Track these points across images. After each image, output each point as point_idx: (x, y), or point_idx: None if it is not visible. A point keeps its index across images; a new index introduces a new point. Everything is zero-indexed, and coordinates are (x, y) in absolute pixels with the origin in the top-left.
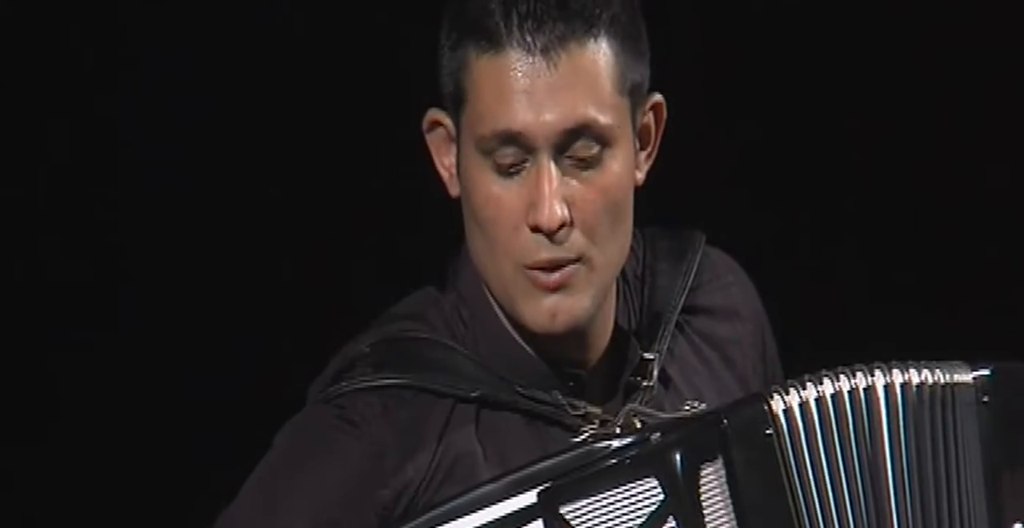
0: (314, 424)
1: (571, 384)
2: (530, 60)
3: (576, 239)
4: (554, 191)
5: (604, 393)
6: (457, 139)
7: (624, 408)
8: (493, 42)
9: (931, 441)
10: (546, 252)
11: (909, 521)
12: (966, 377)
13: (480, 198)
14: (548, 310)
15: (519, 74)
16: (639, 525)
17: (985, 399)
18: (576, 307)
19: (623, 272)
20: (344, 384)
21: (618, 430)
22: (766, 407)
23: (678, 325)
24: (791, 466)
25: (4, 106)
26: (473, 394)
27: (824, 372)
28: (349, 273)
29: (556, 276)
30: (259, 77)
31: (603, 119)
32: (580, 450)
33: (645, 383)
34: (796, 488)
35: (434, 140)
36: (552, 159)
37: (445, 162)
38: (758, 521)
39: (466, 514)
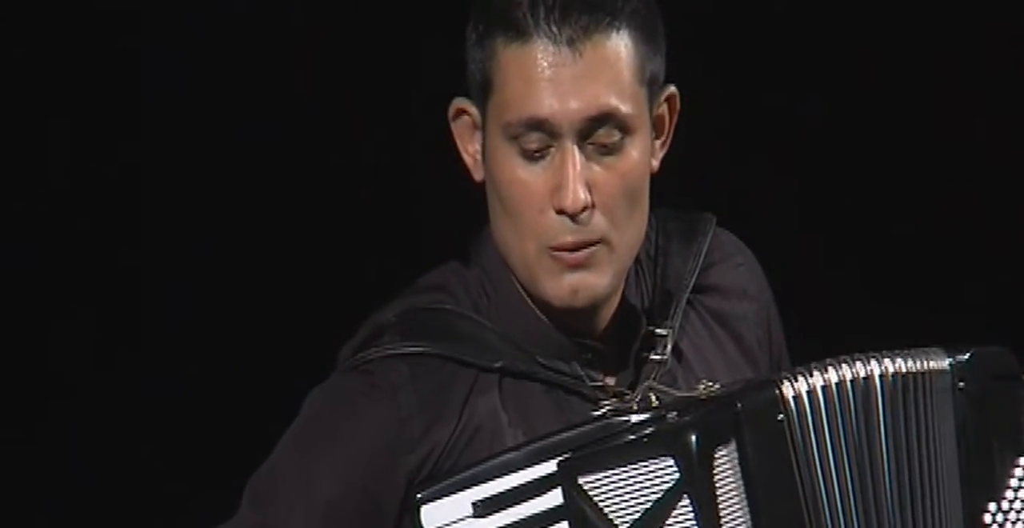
0: (343, 390)
1: (587, 356)
2: (555, 50)
3: (598, 221)
4: (578, 175)
5: (617, 365)
6: (483, 127)
7: (642, 385)
8: (520, 32)
9: (912, 426)
10: (570, 235)
11: (896, 501)
12: (943, 364)
13: (506, 182)
14: (570, 287)
15: (545, 63)
16: (655, 501)
17: (961, 385)
18: (597, 284)
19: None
20: (372, 351)
21: (636, 406)
22: (778, 393)
23: (689, 303)
24: (799, 449)
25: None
26: (496, 364)
27: (828, 360)
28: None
29: (579, 255)
30: (265, 78)
31: (624, 108)
32: (599, 423)
33: (658, 356)
34: (803, 470)
35: (459, 128)
36: (576, 144)
37: (470, 149)
38: (768, 502)
39: (489, 480)
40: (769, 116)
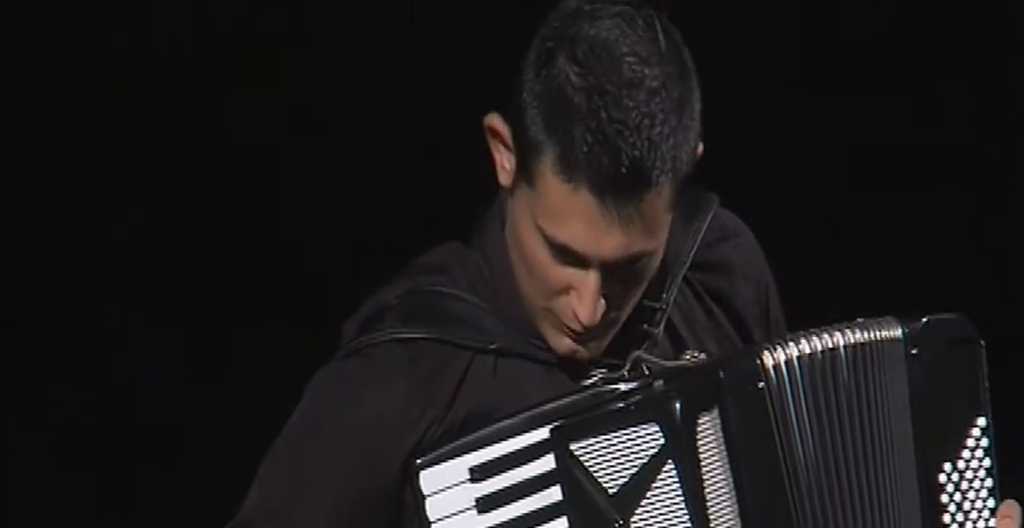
0: (345, 375)
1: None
2: (600, 206)
3: (608, 313)
4: (597, 296)
5: (613, 340)
6: (515, 183)
7: (631, 354)
8: (571, 175)
9: (870, 393)
10: (579, 327)
11: (859, 465)
12: (896, 333)
13: (529, 252)
14: (569, 348)
15: (587, 210)
16: (641, 465)
17: (914, 351)
18: (596, 349)
19: None
20: (373, 336)
21: (626, 375)
22: (759, 362)
23: (686, 279)
24: (778, 416)
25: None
26: (492, 346)
27: (801, 333)
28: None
29: (583, 334)
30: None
31: (652, 245)
32: (590, 392)
33: (649, 329)
34: (782, 435)
35: (492, 139)
36: (600, 271)
37: (499, 154)
38: (749, 465)
39: (485, 446)
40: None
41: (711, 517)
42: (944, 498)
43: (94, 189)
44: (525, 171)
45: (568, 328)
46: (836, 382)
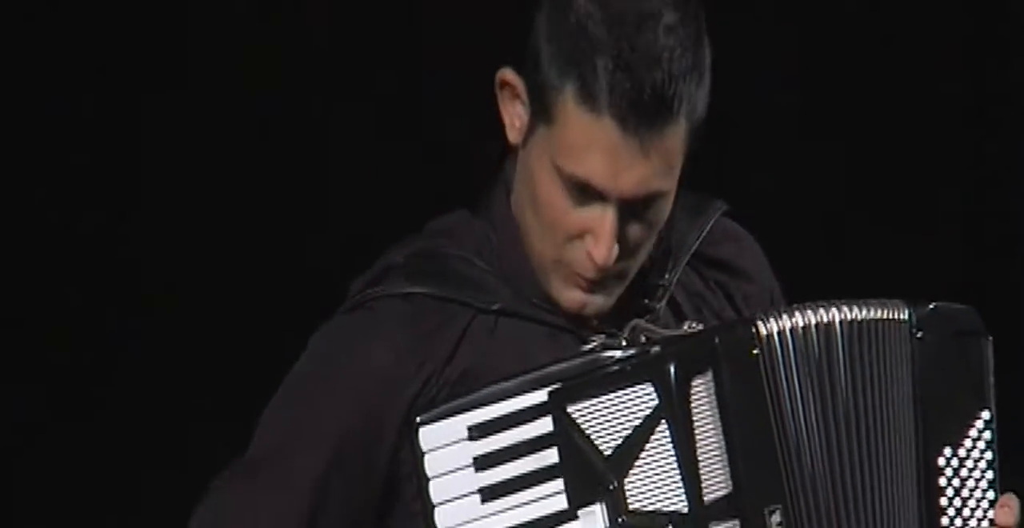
0: (347, 328)
1: None
2: (622, 136)
3: (620, 263)
4: (613, 236)
5: (615, 314)
6: (531, 127)
7: (630, 323)
8: (593, 103)
9: (868, 369)
10: (593, 272)
11: (854, 438)
12: (902, 314)
13: (544, 198)
14: (579, 301)
15: (608, 138)
16: (635, 426)
17: (919, 335)
18: (604, 304)
19: None
20: (376, 290)
21: (624, 342)
22: (754, 330)
23: (693, 266)
24: (771, 383)
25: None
26: (493, 307)
27: (796, 306)
28: None
29: (594, 283)
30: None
31: (668, 185)
32: (588, 357)
33: (651, 303)
34: (774, 402)
35: (503, 94)
36: (617, 209)
37: (509, 110)
38: (741, 428)
39: (484, 406)
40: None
41: (703, 479)
42: (942, 481)
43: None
44: (543, 112)
45: (580, 278)
46: (832, 355)
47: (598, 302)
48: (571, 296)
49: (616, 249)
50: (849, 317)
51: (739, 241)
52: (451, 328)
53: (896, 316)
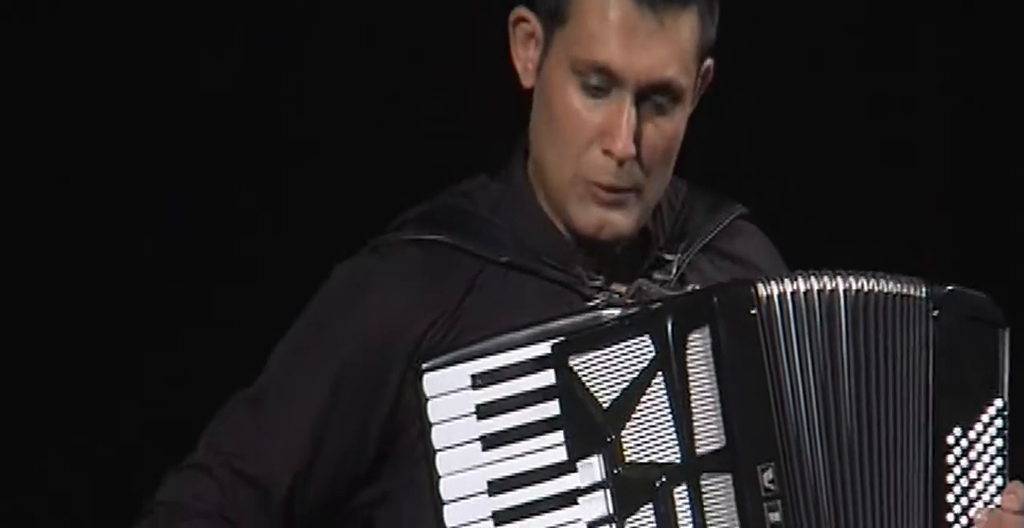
0: (359, 269)
1: (593, 261)
2: (639, 8)
3: (636, 172)
4: (631, 126)
5: (621, 281)
6: (546, 45)
7: (635, 282)
8: None
9: (878, 341)
10: (611, 177)
11: (857, 409)
12: (920, 291)
13: (561, 107)
14: (598, 221)
15: (626, 16)
16: (634, 377)
17: (935, 314)
18: (622, 224)
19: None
20: (391, 236)
21: (628, 301)
22: (753, 290)
23: (709, 258)
24: (768, 343)
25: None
26: (502, 259)
27: (799, 271)
28: None
29: (613, 196)
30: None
31: (681, 80)
32: (591, 313)
33: (661, 276)
34: (770, 362)
35: (517, 34)
36: (634, 97)
37: (522, 55)
38: (735, 385)
39: (488, 356)
40: None
41: (696, 432)
42: (950, 458)
43: None
44: (558, 16)
45: (598, 189)
46: (834, 322)
47: (616, 221)
48: (589, 216)
49: (632, 147)
50: (855, 287)
51: (754, 239)
52: (460, 276)
53: (913, 293)
